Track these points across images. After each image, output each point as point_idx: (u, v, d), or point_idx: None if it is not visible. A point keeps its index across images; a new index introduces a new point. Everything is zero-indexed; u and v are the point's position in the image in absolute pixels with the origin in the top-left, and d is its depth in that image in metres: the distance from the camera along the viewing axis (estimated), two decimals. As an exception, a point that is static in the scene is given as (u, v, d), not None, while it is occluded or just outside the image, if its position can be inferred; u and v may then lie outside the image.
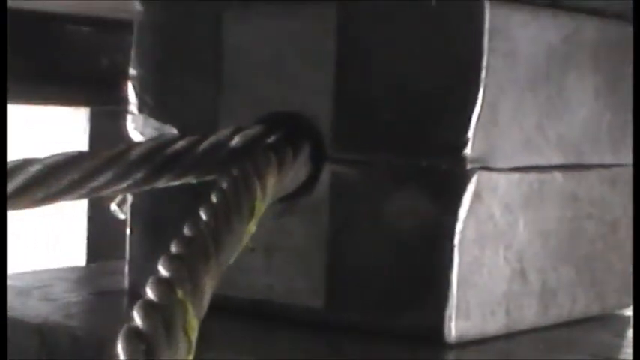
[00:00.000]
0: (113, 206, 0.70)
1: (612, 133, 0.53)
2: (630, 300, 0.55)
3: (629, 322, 0.53)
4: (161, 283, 0.32)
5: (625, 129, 0.54)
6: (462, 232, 0.45)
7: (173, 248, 0.35)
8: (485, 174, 0.46)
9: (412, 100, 0.46)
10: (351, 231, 0.47)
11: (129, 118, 0.53)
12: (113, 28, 0.77)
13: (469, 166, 0.45)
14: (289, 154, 0.46)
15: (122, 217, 0.56)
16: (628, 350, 0.48)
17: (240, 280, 0.49)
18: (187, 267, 0.34)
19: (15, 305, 0.50)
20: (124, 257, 0.54)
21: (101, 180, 0.42)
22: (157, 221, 0.52)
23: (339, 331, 0.47)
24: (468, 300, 0.46)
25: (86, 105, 0.84)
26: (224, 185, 0.40)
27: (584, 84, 0.51)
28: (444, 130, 0.45)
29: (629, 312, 0.55)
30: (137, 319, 0.30)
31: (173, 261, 0.34)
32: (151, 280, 0.33)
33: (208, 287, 0.34)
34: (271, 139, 0.47)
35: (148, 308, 0.31)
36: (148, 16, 0.53)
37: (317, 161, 0.48)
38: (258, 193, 0.41)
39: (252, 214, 0.40)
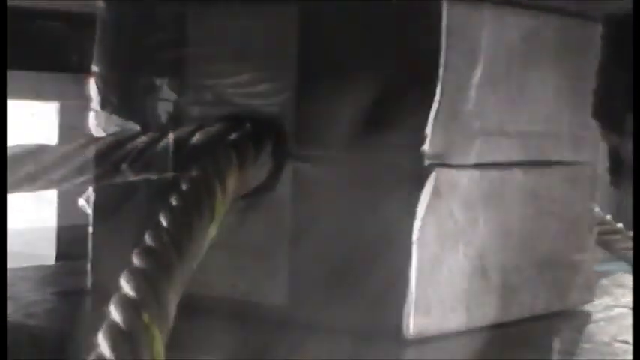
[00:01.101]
0: (81, 201, 0.70)
1: (573, 130, 0.53)
2: (591, 296, 0.55)
3: (589, 318, 0.54)
4: (127, 306, 0.32)
5: (585, 127, 0.54)
6: (421, 229, 0.45)
7: (135, 260, 0.35)
8: (444, 171, 0.46)
9: (373, 97, 0.46)
10: (313, 228, 0.47)
11: (91, 115, 0.53)
12: (83, 22, 0.77)
13: (427, 163, 0.45)
14: (251, 151, 0.46)
15: (90, 211, 0.56)
16: (587, 346, 0.48)
17: (202, 278, 0.49)
18: (152, 285, 0.33)
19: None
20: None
21: (59, 173, 0.42)
22: (119, 220, 0.52)
23: (302, 329, 0.47)
24: (427, 297, 0.46)
25: (56, 99, 0.84)
26: (184, 187, 0.40)
27: (545, 82, 0.51)
28: (402, 127, 0.45)
29: (589, 308, 0.55)
30: (104, 348, 0.30)
31: (136, 277, 0.33)
32: (115, 299, 0.32)
33: (173, 304, 0.34)
34: (233, 137, 0.47)
35: (116, 335, 0.31)
36: (111, 13, 0.53)
37: (279, 158, 0.48)
38: (219, 195, 0.41)
39: (212, 216, 0.39)
